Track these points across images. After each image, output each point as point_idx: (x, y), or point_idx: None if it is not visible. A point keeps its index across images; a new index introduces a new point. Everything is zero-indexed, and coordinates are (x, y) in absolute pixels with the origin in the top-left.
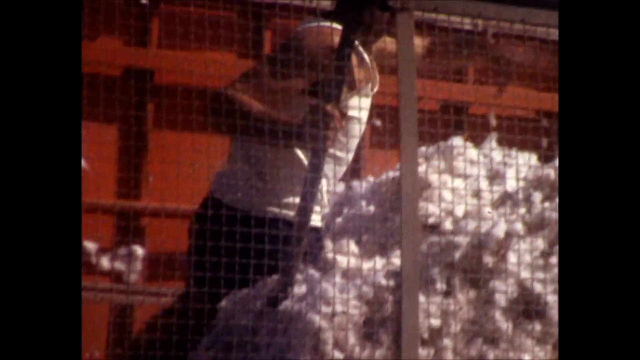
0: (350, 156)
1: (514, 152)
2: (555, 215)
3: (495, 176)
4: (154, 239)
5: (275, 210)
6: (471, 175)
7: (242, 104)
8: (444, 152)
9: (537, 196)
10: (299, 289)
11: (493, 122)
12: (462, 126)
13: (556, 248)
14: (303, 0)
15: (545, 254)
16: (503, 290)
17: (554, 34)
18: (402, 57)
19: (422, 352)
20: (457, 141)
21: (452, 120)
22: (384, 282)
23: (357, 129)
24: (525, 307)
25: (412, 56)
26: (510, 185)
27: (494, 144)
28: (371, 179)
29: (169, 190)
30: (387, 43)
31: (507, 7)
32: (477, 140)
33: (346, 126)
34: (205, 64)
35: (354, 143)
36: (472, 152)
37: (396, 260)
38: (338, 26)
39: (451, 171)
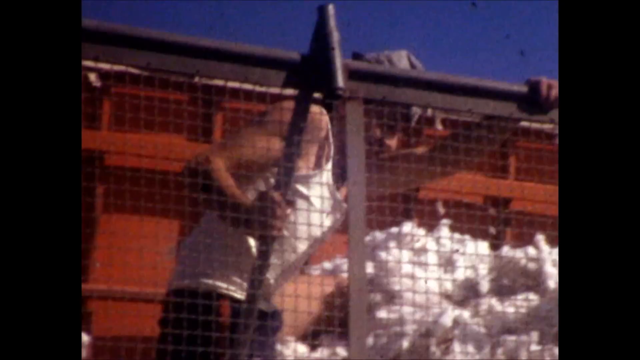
0: (303, 246)
1: (464, 240)
2: (500, 307)
3: (446, 264)
4: (101, 324)
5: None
6: (421, 262)
7: (215, 177)
8: (395, 239)
9: (484, 285)
10: None
11: (441, 209)
12: (411, 213)
13: (503, 337)
14: (253, 85)
15: (494, 344)
16: None
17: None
18: (351, 144)
19: None
20: (407, 228)
21: (401, 207)
22: None
23: (315, 217)
24: None
25: (361, 144)
26: (461, 273)
27: (445, 231)
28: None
29: (116, 274)
30: None
31: (455, 97)
32: (427, 227)
33: (294, 214)
34: (155, 146)
35: (306, 232)
36: (422, 239)
37: (341, 351)
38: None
39: (401, 259)
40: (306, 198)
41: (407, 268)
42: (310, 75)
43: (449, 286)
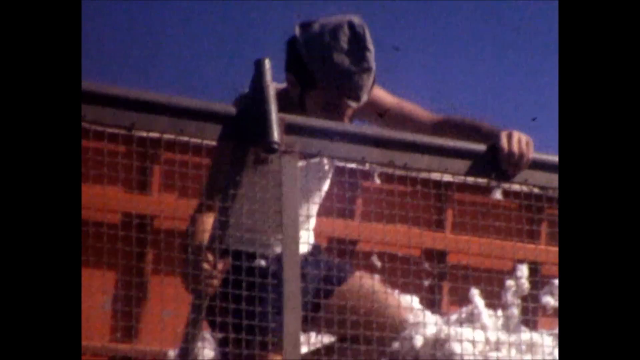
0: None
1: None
2: None
3: None
4: None
5: None
6: None
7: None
8: None
9: (419, 339)
10: None
11: (377, 262)
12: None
13: None
14: (189, 137)
15: None
16: None
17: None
18: (287, 198)
19: None
20: None
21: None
22: None
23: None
24: None
25: (297, 198)
26: None
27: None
28: None
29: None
30: None
31: (391, 152)
32: None
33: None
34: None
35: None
36: None
37: None
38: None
39: None
40: None
41: None
42: (247, 128)
43: None
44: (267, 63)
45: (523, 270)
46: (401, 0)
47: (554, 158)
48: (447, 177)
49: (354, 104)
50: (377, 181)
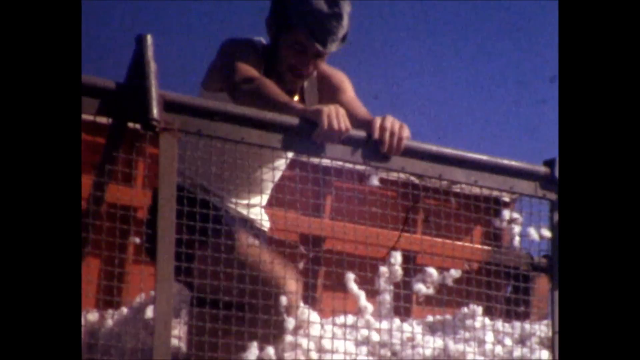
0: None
1: None
2: None
3: None
4: None
5: None
6: None
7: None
8: None
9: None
10: None
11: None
12: None
13: None
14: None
15: None
16: None
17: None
18: (163, 176)
19: None
20: None
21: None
22: None
23: None
24: None
25: (173, 176)
26: None
27: None
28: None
29: None
30: None
31: (267, 133)
32: None
33: None
34: None
35: None
36: None
37: None
38: None
39: None
40: None
41: None
42: (126, 104)
43: None
44: (149, 39)
45: (397, 258)
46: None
47: (431, 147)
48: (325, 162)
49: (320, 48)
50: None
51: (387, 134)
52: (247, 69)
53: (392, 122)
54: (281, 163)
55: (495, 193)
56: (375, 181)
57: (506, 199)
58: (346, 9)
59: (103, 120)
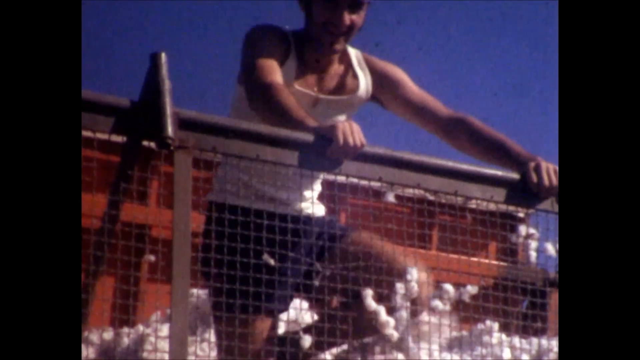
0: None
1: None
2: None
3: None
4: None
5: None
6: None
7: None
8: None
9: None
10: None
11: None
12: None
13: None
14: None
15: None
16: None
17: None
18: (178, 195)
19: None
20: None
21: None
22: None
23: None
24: None
25: (189, 194)
26: None
27: None
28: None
29: None
30: None
31: (284, 151)
32: None
33: None
34: None
35: None
36: None
37: None
38: None
39: None
40: None
41: None
42: (140, 122)
43: None
44: (163, 57)
45: (413, 274)
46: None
47: (447, 162)
48: (340, 179)
49: (352, 14)
50: None
51: (546, 183)
52: (268, 70)
53: (546, 170)
54: None
55: (510, 208)
56: (390, 197)
57: (521, 214)
58: None
59: (117, 138)
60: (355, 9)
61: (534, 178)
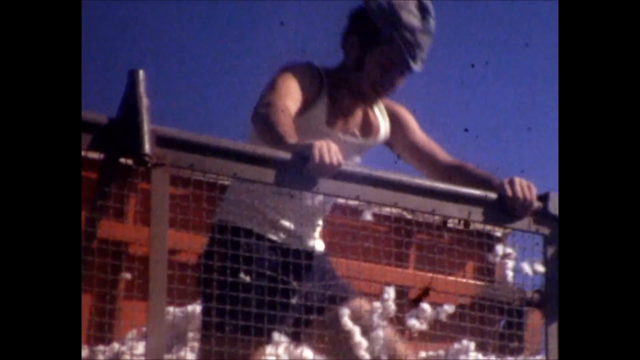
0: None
1: None
2: None
3: None
4: None
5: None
6: None
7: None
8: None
9: None
10: None
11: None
12: None
13: None
14: None
15: None
16: None
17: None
18: (155, 212)
19: None
20: None
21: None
22: None
23: None
24: None
25: (166, 211)
26: None
27: None
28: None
29: None
30: None
31: (262, 169)
32: None
33: None
34: None
35: None
36: None
37: None
38: None
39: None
40: None
41: None
42: (118, 139)
43: None
44: (141, 74)
45: (390, 293)
46: None
47: (424, 182)
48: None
49: (411, 64)
50: None
51: (521, 197)
52: (279, 93)
53: (520, 184)
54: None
55: (488, 228)
56: (368, 216)
57: (498, 233)
58: (433, 20)
59: (95, 155)
60: (407, 74)
61: (509, 191)
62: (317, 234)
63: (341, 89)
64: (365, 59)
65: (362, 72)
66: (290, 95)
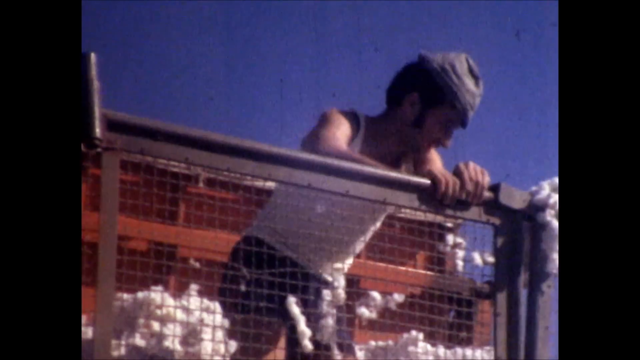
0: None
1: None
2: None
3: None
4: None
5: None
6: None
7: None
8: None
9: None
10: None
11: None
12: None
13: None
14: None
15: None
16: None
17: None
18: (105, 197)
19: None
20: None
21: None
22: None
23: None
24: None
25: (116, 197)
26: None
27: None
28: None
29: None
30: None
31: (216, 155)
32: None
33: None
34: None
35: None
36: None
37: None
38: None
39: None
40: None
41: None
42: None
43: None
44: (93, 57)
45: (340, 281)
46: None
47: (376, 170)
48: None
49: (466, 123)
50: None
51: (473, 178)
52: (334, 137)
53: (474, 168)
54: (374, 227)
55: (439, 218)
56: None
57: (450, 224)
58: (482, 87)
59: None
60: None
61: (464, 170)
62: (337, 265)
63: (379, 138)
64: (427, 116)
65: (423, 129)
66: (342, 138)
